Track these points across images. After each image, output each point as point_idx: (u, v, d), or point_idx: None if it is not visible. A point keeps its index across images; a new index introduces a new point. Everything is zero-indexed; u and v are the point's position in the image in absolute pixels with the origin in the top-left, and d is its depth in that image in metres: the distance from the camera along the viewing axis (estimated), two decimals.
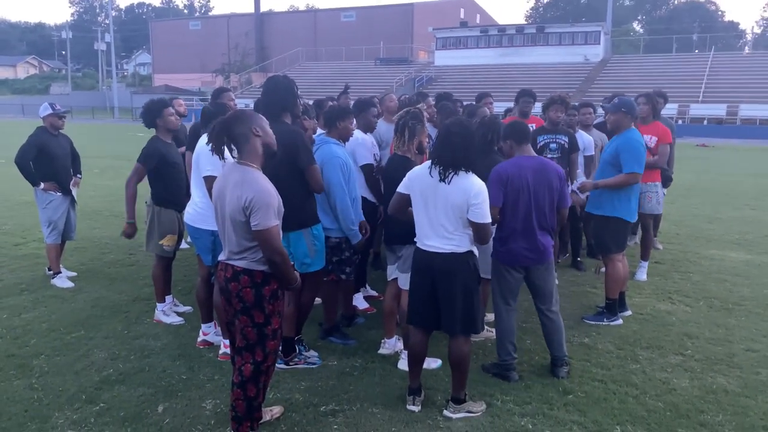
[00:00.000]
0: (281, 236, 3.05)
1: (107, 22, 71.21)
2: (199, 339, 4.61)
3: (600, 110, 7.92)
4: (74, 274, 6.34)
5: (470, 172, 3.42)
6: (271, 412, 3.51)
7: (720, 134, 31.01)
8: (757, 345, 4.67)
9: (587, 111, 6.88)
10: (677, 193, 11.38)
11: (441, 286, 3.48)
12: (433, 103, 6.37)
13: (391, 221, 4.06)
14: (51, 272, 6.14)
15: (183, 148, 5.82)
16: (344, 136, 4.53)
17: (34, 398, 3.76)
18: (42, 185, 5.97)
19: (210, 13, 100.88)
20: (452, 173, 3.37)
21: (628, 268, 5.37)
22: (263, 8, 68.58)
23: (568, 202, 4.12)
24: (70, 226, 6.28)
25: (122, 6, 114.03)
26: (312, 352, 4.35)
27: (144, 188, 4.91)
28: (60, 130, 6.16)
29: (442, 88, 23.86)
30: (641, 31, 77.30)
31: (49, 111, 6.04)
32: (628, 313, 5.29)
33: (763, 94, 34.57)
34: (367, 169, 5.01)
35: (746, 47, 73.60)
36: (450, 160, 3.37)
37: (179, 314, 5.17)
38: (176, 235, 4.99)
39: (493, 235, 4.10)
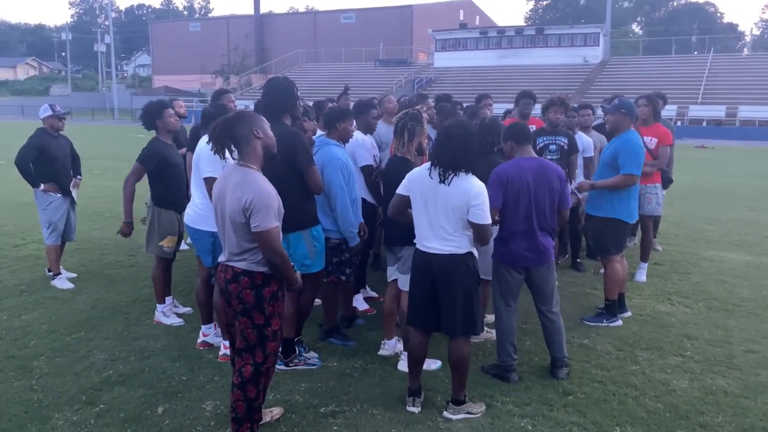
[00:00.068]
0: (281, 238, 3.06)
1: (107, 23, 71.20)
2: (199, 340, 4.61)
3: (599, 112, 7.94)
4: (74, 275, 6.34)
5: (470, 174, 3.42)
6: (271, 414, 3.51)
7: (719, 136, 31.04)
8: (756, 346, 4.67)
9: (586, 113, 6.90)
10: (676, 194, 11.39)
11: (441, 287, 3.48)
12: (433, 104, 6.38)
13: (390, 222, 4.06)
14: (51, 273, 6.14)
15: (184, 150, 5.83)
16: (344, 138, 4.53)
17: (34, 399, 3.76)
18: (42, 186, 5.97)
19: (210, 15, 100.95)
20: (452, 174, 3.37)
21: (628, 270, 5.38)
22: (263, 10, 68.82)
23: (568, 203, 4.12)
24: (70, 228, 6.28)
25: (122, 7, 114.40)
26: (312, 354, 4.36)
27: (143, 189, 4.91)
28: (60, 132, 6.17)
29: (442, 90, 23.86)
30: (640, 32, 77.36)
31: (49, 112, 6.04)
32: (628, 314, 5.29)
33: (762, 95, 34.62)
34: (366, 170, 5.01)
35: (745, 49, 73.67)
36: (450, 161, 3.37)
37: (179, 315, 5.17)
38: (176, 237, 5.00)
39: (494, 236, 4.11)
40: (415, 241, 3.61)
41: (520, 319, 4.82)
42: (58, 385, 3.94)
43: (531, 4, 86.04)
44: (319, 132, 4.81)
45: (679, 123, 31.67)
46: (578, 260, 6.84)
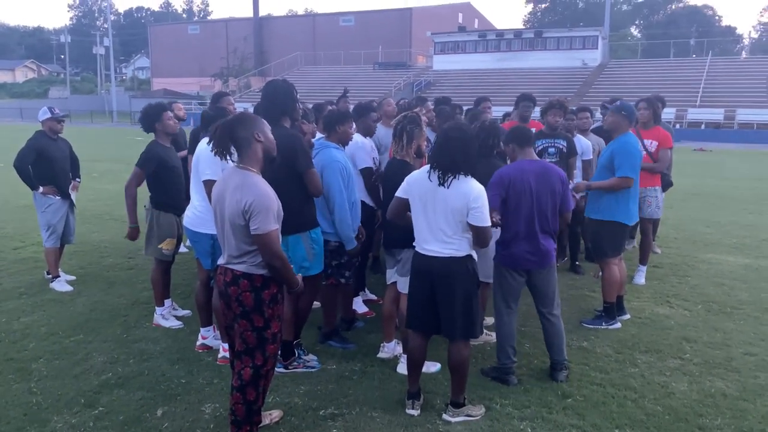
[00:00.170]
0: (281, 240, 3.06)
1: (106, 26, 71.15)
2: (198, 343, 4.61)
3: (598, 115, 7.96)
4: (73, 278, 6.34)
5: (469, 176, 3.43)
6: (271, 416, 3.51)
7: (717, 139, 31.11)
8: (755, 349, 4.68)
9: (585, 115, 6.91)
10: (675, 197, 11.40)
11: (440, 290, 3.48)
12: (432, 107, 6.38)
13: (390, 225, 4.06)
14: (50, 276, 6.14)
15: (185, 152, 5.83)
16: (344, 141, 4.53)
17: (33, 402, 3.75)
18: (41, 189, 5.97)
19: (209, 18, 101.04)
20: (451, 177, 3.38)
21: (626, 272, 5.38)
22: (262, 12, 68.77)
23: (570, 205, 4.13)
24: (69, 230, 6.28)
25: (121, 10, 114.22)
26: (311, 356, 4.35)
27: (143, 192, 4.91)
28: (59, 134, 6.16)
29: (441, 93, 23.86)
30: (639, 35, 77.48)
31: (48, 115, 6.04)
32: (627, 316, 5.29)
33: (760, 98, 34.72)
34: (366, 173, 5.02)
35: (743, 52, 73.92)
36: (449, 164, 3.38)
37: (178, 318, 5.17)
38: (175, 239, 5.00)
39: (496, 239, 4.11)
40: (414, 244, 3.61)
41: (519, 322, 4.81)
42: (57, 387, 3.94)
43: (530, 7, 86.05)
44: (318, 135, 4.82)
45: (677, 126, 31.67)
46: (577, 263, 6.85)
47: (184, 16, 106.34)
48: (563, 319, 4.26)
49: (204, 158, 4.09)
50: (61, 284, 6.04)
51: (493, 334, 4.53)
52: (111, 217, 9.70)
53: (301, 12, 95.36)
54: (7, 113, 54.05)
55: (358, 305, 5.41)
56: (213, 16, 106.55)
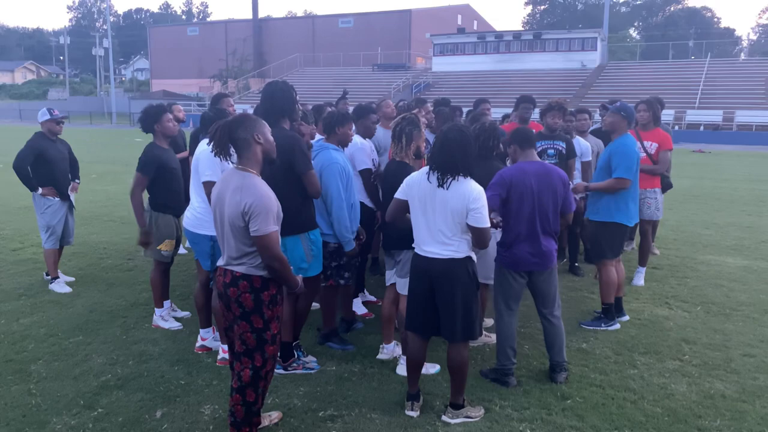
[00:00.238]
0: (280, 242, 3.06)
1: (105, 27, 71.20)
2: (197, 344, 4.61)
3: (597, 116, 7.96)
4: (72, 279, 6.34)
5: (468, 177, 3.43)
6: (270, 418, 3.51)
7: (716, 140, 31.14)
8: (754, 350, 4.68)
9: (583, 117, 6.92)
10: (674, 198, 11.42)
11: (439, 292, 3.48)
12: (431, 108, 6.39)
13: (389, 226, 4.07)
14: (49, 277, 6.14)
15: (185, 153, 5.82)
16: (343, 142, 4.53)
17: (32, 404, 3.75)
18: (40, 190, 5.97)
19: (208, 19, 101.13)
20: (450, 179, 3.38)
21: (624, 273, 5.39)
22: (261, 14, 68.80)
23: (572, 206, 4.12)
24: (68, 231, 6.28)
25: (120, 12, 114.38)
26: (310, 358, 4.35)
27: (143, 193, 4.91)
28: (58, 136, 6.17)
29: (440, 94, 23.91)
30: (638, 37, 77.63)
31: (48, 116, 6.04)
32: (626, 318, 5.30)
33: (759, 100, 34.76)
34: (365, 174, 5.02)
35: (742, 54, 74.12)
36: (448, 165, 3.38)
37: (177, 319, 5.17)
38: (174, 240, 4.99)
39: (498, 240, 4.11)
40: (413, 245, 3.61)
41: (519, 323, 4.82)
42: (57, 389, 3.94)
43: (529, 9, 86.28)
44: (318, 136, 4.82)
45: (676, 127, 31.75)
46: (576, 264, 6.86)
47: (184, 17, 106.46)
48: (562, 321, 4.26)
49: (204, 159, 4.09)
50: (61, 285, 6.03)
51: (493, 336, 4.53)
52: (110, 218, 9.70)
53: (300, 13, 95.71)
54: (6, 114, 54.06)
55: (358, 306, 5.41)
56: (212, 18, 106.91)
